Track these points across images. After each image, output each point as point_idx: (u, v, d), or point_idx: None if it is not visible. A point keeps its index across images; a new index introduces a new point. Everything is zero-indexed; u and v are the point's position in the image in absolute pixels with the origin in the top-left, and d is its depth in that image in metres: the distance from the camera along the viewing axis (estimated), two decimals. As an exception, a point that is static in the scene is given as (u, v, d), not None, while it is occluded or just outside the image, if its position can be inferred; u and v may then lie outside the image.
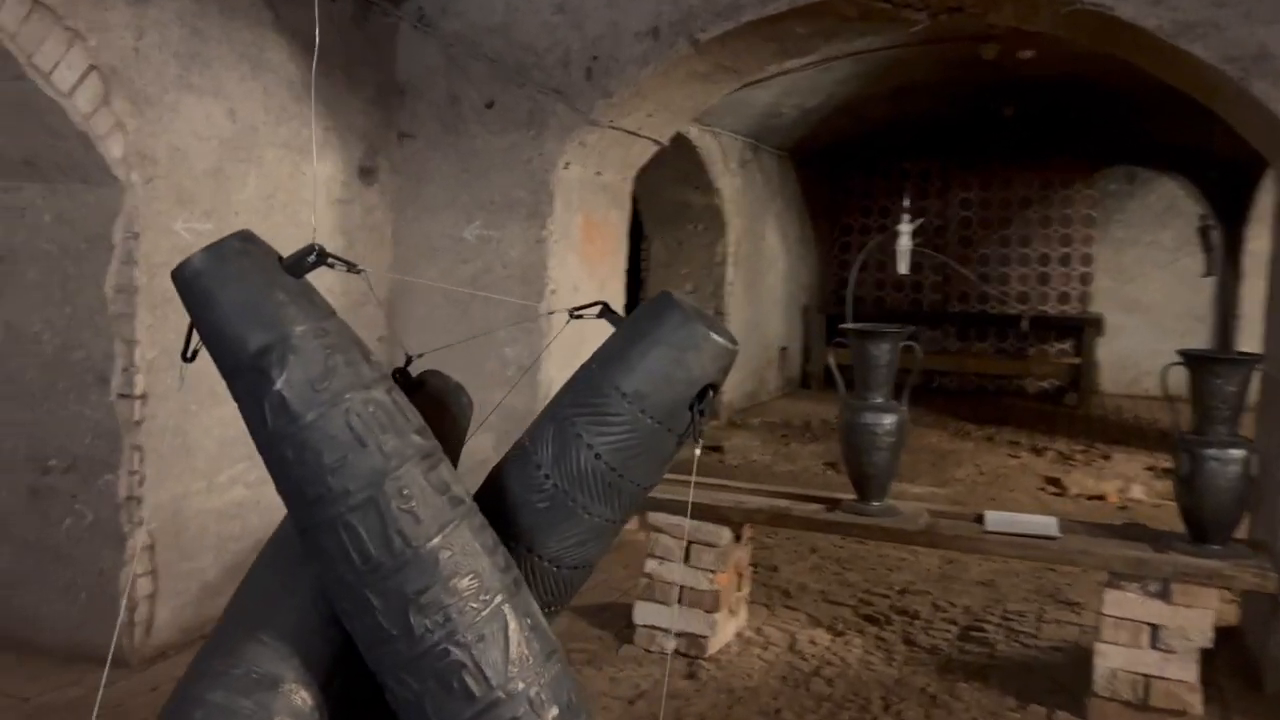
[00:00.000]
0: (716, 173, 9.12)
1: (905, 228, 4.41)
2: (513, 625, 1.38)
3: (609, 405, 1.51)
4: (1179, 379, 3.49)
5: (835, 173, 12.22)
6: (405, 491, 1.38)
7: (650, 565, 4.04)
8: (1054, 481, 7.64)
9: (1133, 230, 11.60)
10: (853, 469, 3.89)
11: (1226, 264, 10.32)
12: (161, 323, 3.62)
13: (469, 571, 1.38)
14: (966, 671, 3.95)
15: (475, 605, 1.37)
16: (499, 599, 1.39)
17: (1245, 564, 3.35)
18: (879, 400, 3.84)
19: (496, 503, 1.56)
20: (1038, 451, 8.72)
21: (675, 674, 3.85)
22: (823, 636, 4.26)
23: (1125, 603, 3.44)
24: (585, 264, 4.76)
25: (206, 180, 3.79)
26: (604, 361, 1.56)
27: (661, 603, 4.02)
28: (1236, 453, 3.39)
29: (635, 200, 9.78)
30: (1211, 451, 3.39)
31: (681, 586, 4.00)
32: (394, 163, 4.70)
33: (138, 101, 3.49)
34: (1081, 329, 11.47)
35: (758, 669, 3.92)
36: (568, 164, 4.51)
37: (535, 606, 1.46)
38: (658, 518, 4.04)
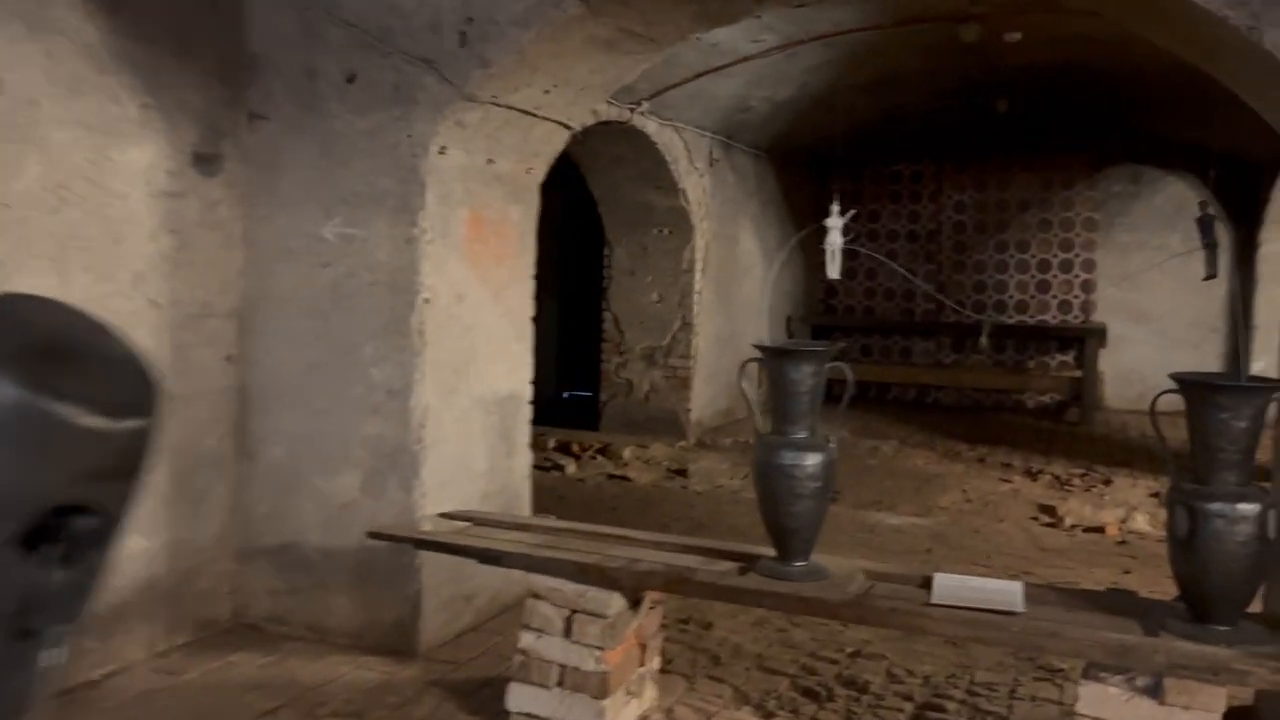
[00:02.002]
0: (681, 171, 8.38)
1: (834, 222, 3.63)
2: None
3: None
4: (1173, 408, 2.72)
5: (819, 174, 11.47)
6: None
7: (525, 639, 3.28)
8: (1048, 510, 6.86)
9: (1139, 234, 10.78)
10: (769, 520, 3.11)
11: (1236, 268, 9.54)
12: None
13: None
14: (915, 770, 3.19)
15: None
16: None
17: (1260, 652, 2.56)
18: (800, 436, 3.07)
19: None
20: (1032, 475, 7.94)
21: (550, 776, 3.10)
22: (746, 719, 3.50)
23: (1106, 700, 2.65)
24: (474, 268, 4.01)
25: (-40, 165, 3.07)
26: None
27: (540, 685, 3.27)
28: (1248, 508, 2.55)
29: (595, 203, 9.11)
30: (1216, 506, 2.58)
31: (563, 666, 3.24)
32: (244, 149, 3.96)
33: None
34: (1083, 340, 10.68)
35: (655, 768, 3.17)
36: (444, 149, 3.76)
37: None
38: (535, 580, 3.28)
